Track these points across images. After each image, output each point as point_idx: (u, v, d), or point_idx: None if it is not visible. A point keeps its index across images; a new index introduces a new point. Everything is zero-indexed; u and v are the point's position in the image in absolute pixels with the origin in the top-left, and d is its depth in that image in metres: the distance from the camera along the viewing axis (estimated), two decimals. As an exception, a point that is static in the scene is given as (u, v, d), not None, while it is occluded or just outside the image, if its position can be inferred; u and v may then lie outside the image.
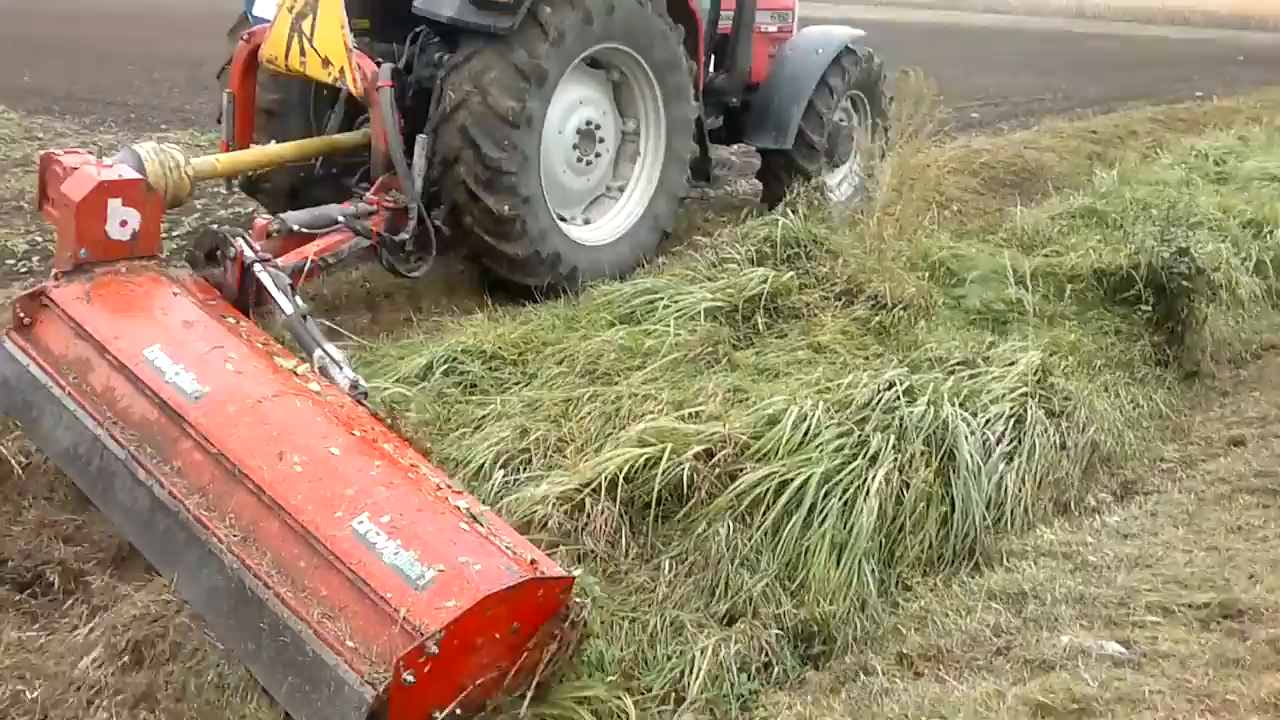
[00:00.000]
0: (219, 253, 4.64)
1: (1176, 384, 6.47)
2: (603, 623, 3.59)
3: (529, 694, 3.10)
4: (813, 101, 8.34)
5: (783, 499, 4.12)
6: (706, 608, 3.86)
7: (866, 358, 5.62)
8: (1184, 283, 6.62)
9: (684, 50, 6.97)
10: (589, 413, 4.70)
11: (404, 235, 5.71)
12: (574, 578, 3.25)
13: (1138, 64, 28.09)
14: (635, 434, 4.31)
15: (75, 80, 15.54)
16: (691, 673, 3.51)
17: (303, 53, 5.85)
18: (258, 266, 4.53)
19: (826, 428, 4.46)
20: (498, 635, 3.04)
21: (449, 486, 3.54)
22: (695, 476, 4.16)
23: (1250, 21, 48.49)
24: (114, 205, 4.38)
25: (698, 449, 4.23)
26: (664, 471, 4.09)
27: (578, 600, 3.21)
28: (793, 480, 4.16)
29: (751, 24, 8.28)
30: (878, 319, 6.10)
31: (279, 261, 4.79)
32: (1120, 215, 8.62)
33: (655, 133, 7.06)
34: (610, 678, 3.41)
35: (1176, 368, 6.58)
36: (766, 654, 3.70)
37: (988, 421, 4.86)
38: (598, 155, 6.89)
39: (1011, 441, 4.85)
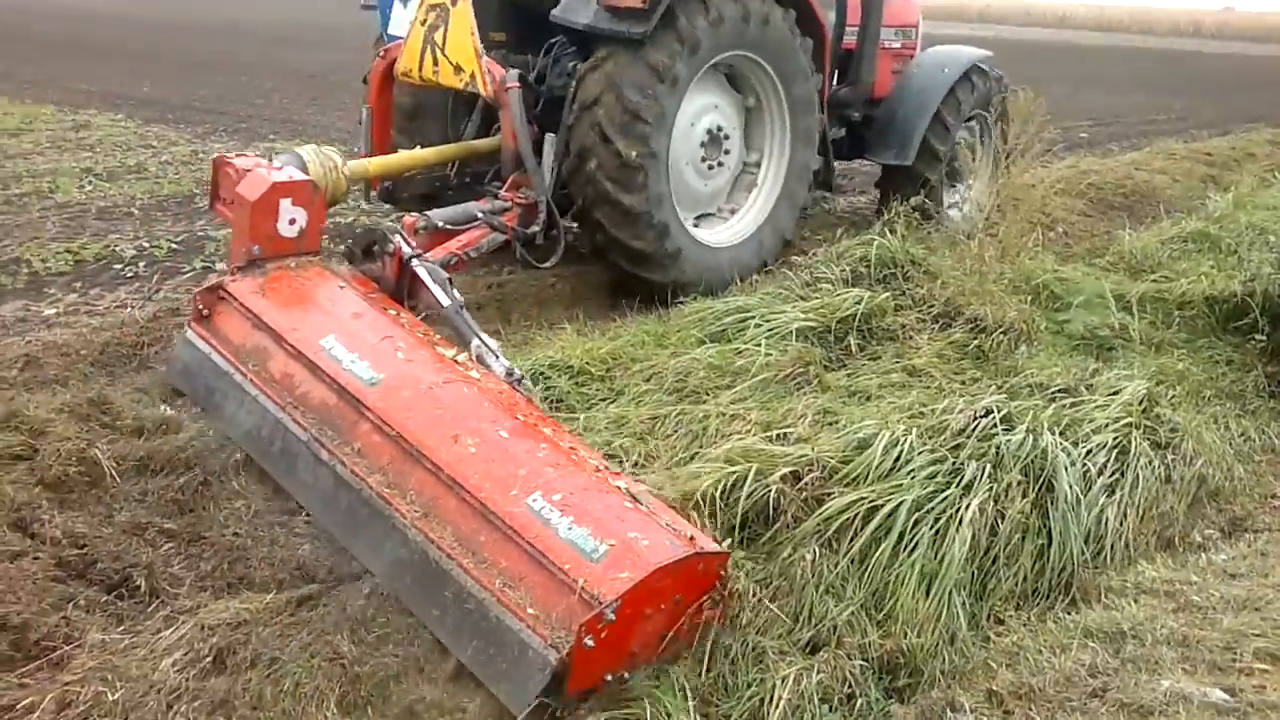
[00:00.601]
0: (376, 248, 4.96)
1: (1291, 417, 6.18)
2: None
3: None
4: (937, 118, 8.34)
5: (871, 525, 3.99)
6: (789, 635, 3.76)
7: (963, 382, 5.48)
8: (1302, 311, 6.34)
9: (811, 62, 7.15)
10: (675, 430, 4.66)
11: (535, 229, 6.04)
12: (729, 553, 3.52)
13: (1257, 84, 27.22)
14: (722, 453, 4.25)
15: (190, 91, 16.03)
16: (771, 702, 3.43)
17: (436, 62, 6.21)
18: (415, 261, 4.85)
19: (919, 454, 4.33)
20: (663, 605, 3.30)
21: (607, 468, 3.80)
22: (782, 499, 4.07)
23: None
24: (285, 205, 4.70)
25: (785, 471, 4.13)
26: (750, 493, 4.01)
27: (732, 573, 3.48)
28: (882, 507, 4.03)
29: (876, 38, 8.38)
30: (976, 343, 5.95)
31: (428, 256, 5.04)
32: (1235, 240, 8.31)
33: (780, 136, 7.26)
34: (690, 703, 3.35)
35: (1292, 400, 6.29)
36: (850, 685, 3.59)
37: (1089, 452, 4.68)
38: (726, 154, 7.10)
39: (1114, 473, 4.66)
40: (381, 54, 6.66)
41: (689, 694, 3.38)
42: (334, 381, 4.07)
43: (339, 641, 3.39)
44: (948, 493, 4.16)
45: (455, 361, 4.26)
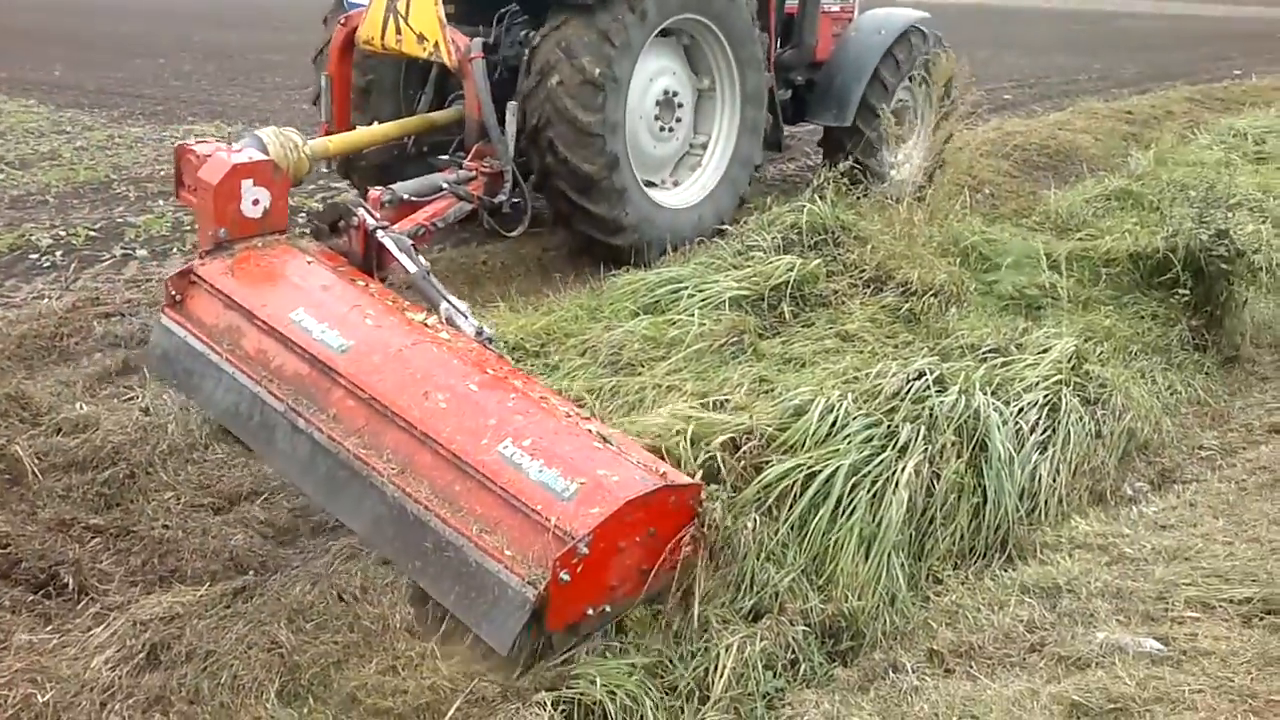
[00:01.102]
0: (342, 223, 5.08)
1: (1215, 369, 6.30)
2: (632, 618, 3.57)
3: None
4: (875, 78, 8.45)
5: (810, 492, 4.01)
6: (732, 604, 3.77)
7: (896, 346, 5.51)
8: (1223, 265, 6.44)
9: (756, 22, 7.30)
10: (612, 403, 4.64)
11: (501, 198, 6.18)
12: (701, 485, 3.66)
13: (1174, 43, 27.67)
14: (659, 423, 4.23)
15: (105, 74, 15.63)
16: (716, 670, 3.43)
17: (398, 31, 6.23)
18: (380, 232, 4.95)
19: (854, 419, 4.34)
20: (637, 538, 3.45)
21: (577, 414, 3.93)
22: (721, 468, 4.07)
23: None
24: (247, 186, 4.78)
25: (723, 439, 4.13)
26: (688, 461, 4.00)
27: (708, 506, 3.60)
28: (820, 472, 4.06)
29: (817, 1, 8.54)
30: (907, 306, 5.98)
31: (395, 228, 5.13)
32: (1157, 197, 8.44)
33: (730, 100, 7.39)
34: (635, 675, 3.35)
35: (1215, 352, 6.41)
36: (793, 650, 3.61)
37: (1021, 410, 4.73)
38: (678, 121, 7.25)
39: (1045, 430, 4.72)
40: (341, 22, 6.65)
41: (636, 668, 3.39)
42: (305, 352, 4.19)
43: (276, 631, 3.34)
44: (884, 456, 4.19)
45: (425, 325, 4.38)
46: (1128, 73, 20.41)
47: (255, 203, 4.81)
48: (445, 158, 6.59)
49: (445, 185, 5.86)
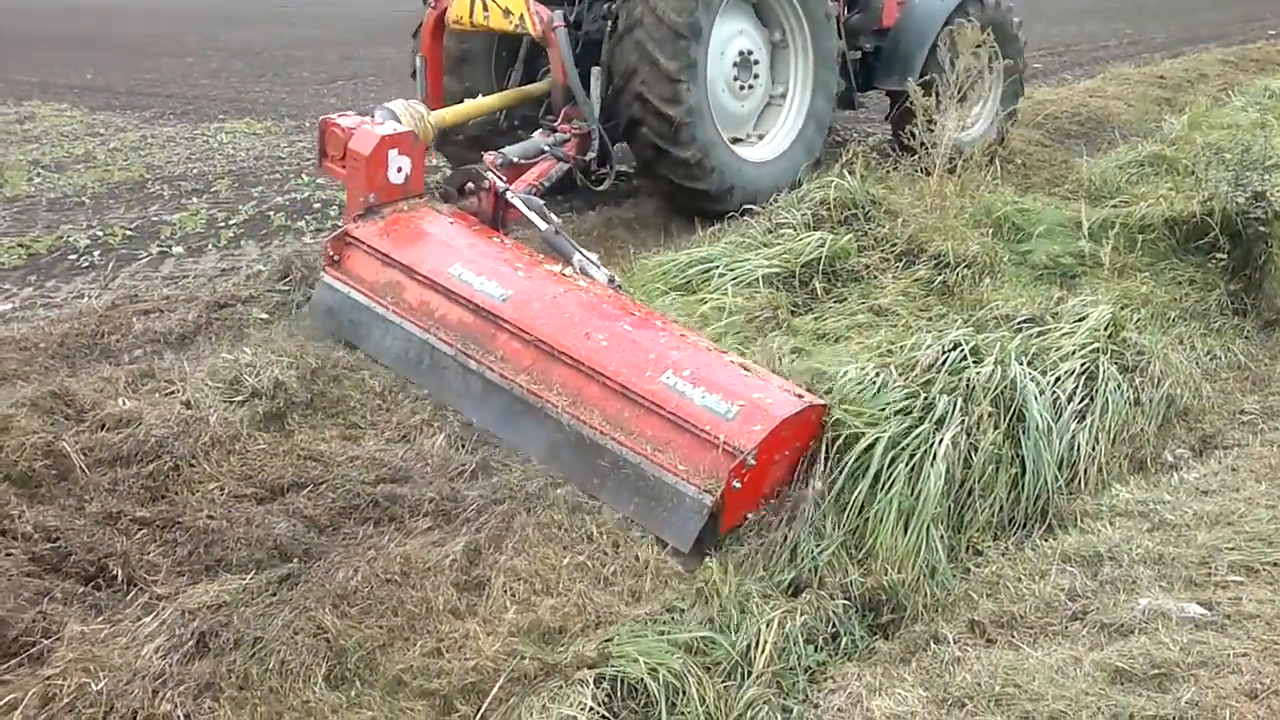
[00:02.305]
0: (471, 185, 5.61)
1: (1255, 333, 6.24)
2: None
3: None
4: (937, 44, 8.47)
5: (847, 464, 4.02)
6: (771, 578, 3.79)
7: (930, 319, 5.49)
8: (1260, 228, 6.37)
9: None
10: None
11: (590, 155, 6.71)
12: (828, 404, 4.12)
13: (1206, 5, 27.24)
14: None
15: (135, 76, 15.77)
16: (757, 646, 3.45)
17: (485, 8, 6.73)
18: (509, 193, 5.48)
19: (892, 390, 4.35)
20: (787, 451, 3.99)
21: (715, 348, 4.50)
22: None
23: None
24: (392, 155, 5.29)
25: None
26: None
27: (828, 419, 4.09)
28: (858, 443, 4.06)
29: None
30: (940, 279, 5.97)
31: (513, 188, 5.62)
32: (1191, 161, 8.33)
33: (803, 57, 7.80)
34: (677, 654, 3.37)
35: (1254, 316, 6.35)
36: (834, 624, 3.64)
37: (1058, 379, 4.71)
38: (755, 78, 7.63)
39: (1083, 399, 4.70)
40: (432, 4, 7.11)
41: (677, 645, 3.41)
42: (469, 302, 4.71)
43: (322, 616, 3.38)
44: (921, 428, 4.18)
45: (563, 275, 4.90)
46: (1159, 37, 20.14)
47: (399, 170, 5.33)
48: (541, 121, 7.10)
49: (546, 148, 6.35)
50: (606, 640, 3.39)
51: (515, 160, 6.11)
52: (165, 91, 14.34)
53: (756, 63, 7.57)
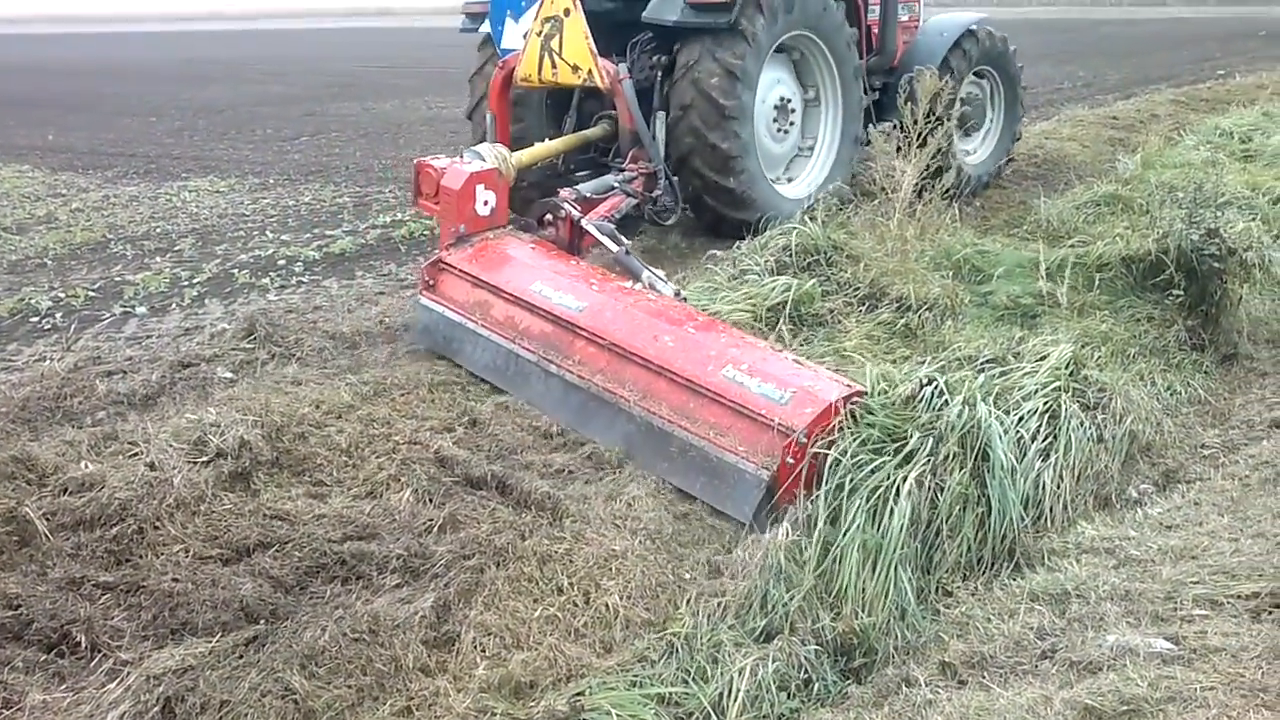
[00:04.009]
0: (549, 217, 6.32)
1: (1214, 367, 6.32)
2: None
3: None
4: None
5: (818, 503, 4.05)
6: (744, 625, 3.78)
7: (894, 361, 5.52)
8: (1215, 264, 6.46)
9: (856, 43, 8.53)
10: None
11: (657, 192, 7.31)
12: (865, 390, 4.56)
13: (1157, 46, 27.83)
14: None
15: (96, 135, 15.75)
16: (730, 694, 3.44)
17: (554, 65, 7.27)
18: (584, 221, 6.16)
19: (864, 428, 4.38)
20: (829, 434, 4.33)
21: (771, 346, 5.09)
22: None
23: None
24: (480, 190, 6.00)
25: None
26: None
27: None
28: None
29: (896, 12, 9.52)
30: (903, 321, 6.02)
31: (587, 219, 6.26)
32: (1146, 200, 8.49)
33: (833, 110, 8.59)
34: (649, 705, 3.35)
35: (1213, 351, 6.42)
36: (806, 670, 3.62)
37: (1021, 419, 4.74)
38: (791, 124, 8.45)
39: (1047, 438, 4.73)
40: (500, 66, 7.70)
41: (650, 697, 3.39)
42: (549, 314, 5.31)
43: (290, 677, 3.34)
44: (886, 465, 4.21)
45: (634, 289, 5.48)
46: (1112, 79, 20.53)
47: (485, 203, 6.02)
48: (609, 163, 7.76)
49: (616, 185, 6.98)
50: (578, 693, 3.38)
51: (588, 196, 6.68)
52: (128, 151, 14.32)
53: (793, 110, 8.37)
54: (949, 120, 8.35)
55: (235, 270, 7.98)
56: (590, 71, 7.14)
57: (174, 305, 7.20)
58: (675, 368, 4.77)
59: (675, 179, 7.48)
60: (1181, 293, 6.54)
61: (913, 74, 9.14)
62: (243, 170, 12.68)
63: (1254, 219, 7.85)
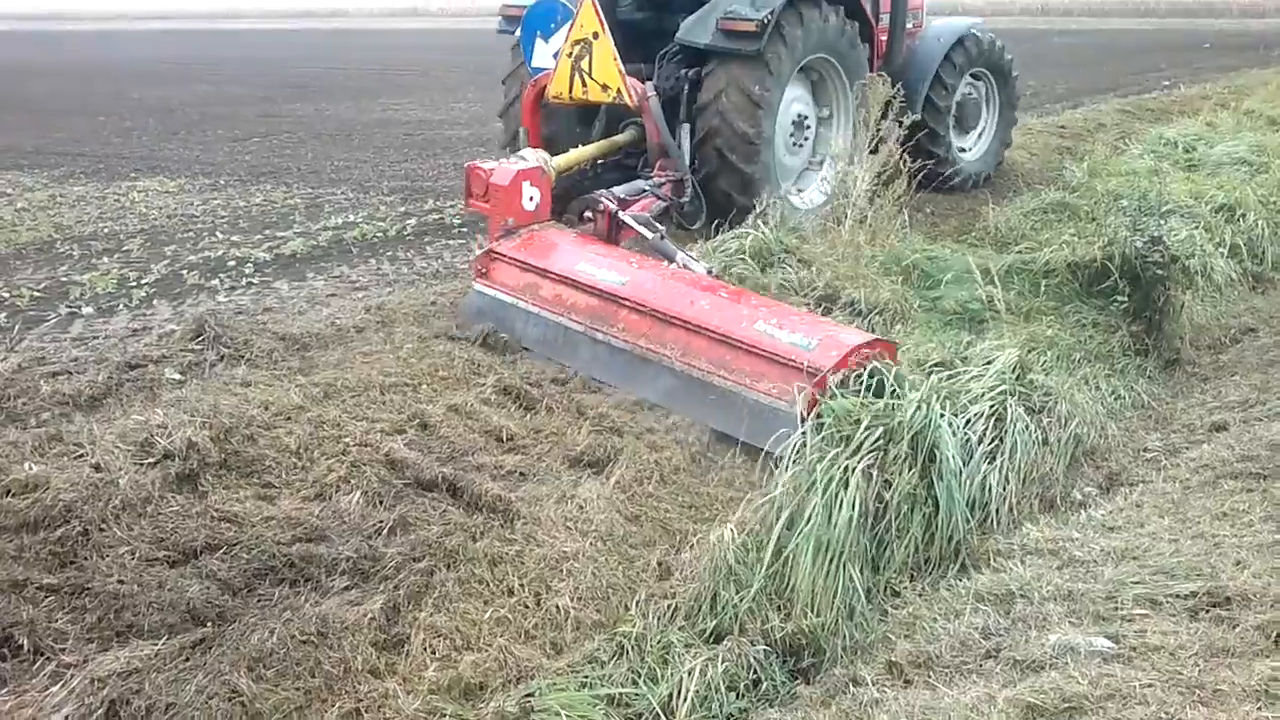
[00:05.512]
0: (589, 212, 6.83)
1: (1157, 372, 6.44)
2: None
3: None
4: (936, 80, 9.96)
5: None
6: (693, 626, 3.81)
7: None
8: (1158, 271, 6.60)
9: (866, 61, 8.83)
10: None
11: (684, 199, 7.76)
12: (897, 343, 5.37)
13: (1104, 57, 28.23)
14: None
15: (42, 135, 15.52)
16: (679, 694, 3.46)
17: (584, 84, 7.70)
18: (621, 214, 6.70)
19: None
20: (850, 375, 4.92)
21: (798, 309, 5.67)
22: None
23: (1215, 8, 48.69)
24: (526, 186, 6.49)
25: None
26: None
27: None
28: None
29: (904, 24, 9.86)
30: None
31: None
32: (1092, 208, 8.64)
33: (845, 125, 8.88)
34: (599, 706, 3.36)
35: (1156, 356, 6.55)
36: (755, 671, 3.66)
37: (968, 422, 4.81)
38: (805, 139, 8.82)
39: (993, 441, 4.80)
40: (532, 84, 8.14)
41: (600, 698, 3.40)
42: (594, 289, 5.83)
43: (237, 680, 3.32)
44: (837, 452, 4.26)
45: (670, 268, 6.01)
46: (1060, 88, 20.78)
47: (531, 199, 6.50)
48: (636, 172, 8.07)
49: (647, 188, 7.40)
50: (528, 694, 3.38)
51: (622, 197, 7.07)
52: (75, 150, 14.11)
53: (808, 126, 8.73)
54: (900, 128, 8.51)
55: (184, 271, 7.90)
56: (619, 90, 7.58)
57: (121, 306, 7.11)
58: (712, 325, 5.30)
59: (699, 185, 7.89)
60: (1126, 299, 6.67)
61: (909, 74, 9.66)
62: (193, 171, 12.54)
63: (1196, 227, 8.02)
